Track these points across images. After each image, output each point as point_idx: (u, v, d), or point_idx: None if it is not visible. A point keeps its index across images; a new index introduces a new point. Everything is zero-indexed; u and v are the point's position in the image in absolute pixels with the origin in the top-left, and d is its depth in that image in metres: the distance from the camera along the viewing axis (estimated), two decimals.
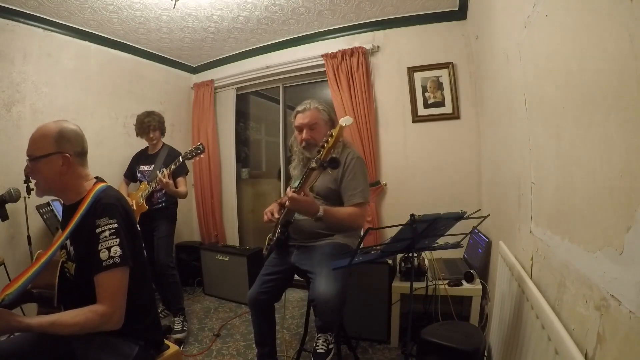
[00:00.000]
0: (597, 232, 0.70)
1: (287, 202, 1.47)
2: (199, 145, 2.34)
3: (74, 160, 1.11)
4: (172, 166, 2.34)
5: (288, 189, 1.47)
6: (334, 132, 1.31)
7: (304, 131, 1.67)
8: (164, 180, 2.28)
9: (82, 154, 1.16)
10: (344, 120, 1.30)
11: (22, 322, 0.91)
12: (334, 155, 1.37)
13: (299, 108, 1.72)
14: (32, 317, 0.93)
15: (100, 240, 1.01)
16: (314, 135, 1.65)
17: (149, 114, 2.59)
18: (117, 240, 1.02)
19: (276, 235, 1.71)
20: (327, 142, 1.33)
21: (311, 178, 1.44)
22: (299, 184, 1.48)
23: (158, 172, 2.35)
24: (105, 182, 1.20)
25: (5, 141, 2.27)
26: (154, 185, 2.39)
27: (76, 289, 1.10)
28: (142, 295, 1.18)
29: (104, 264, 1.00)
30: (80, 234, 1.08)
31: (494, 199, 2.05)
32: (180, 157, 2.35)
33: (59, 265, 1.15)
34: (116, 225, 1.04)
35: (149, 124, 2.55)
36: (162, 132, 2.67)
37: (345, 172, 1.63)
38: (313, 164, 1.37)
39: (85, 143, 1.18)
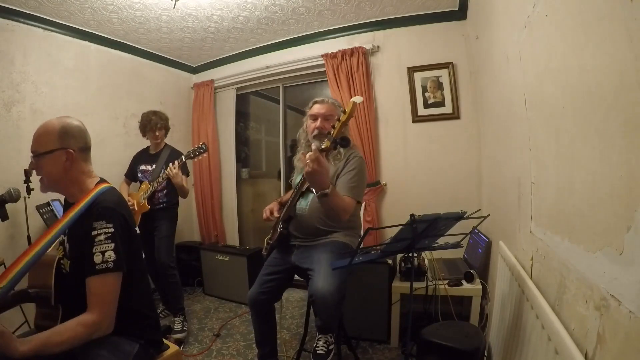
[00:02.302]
0: (597, 232, 0.70)
1: (309, 163, 1.31)
2: (201, 144, 2.34)
3: (78, 156, 1.12)
4: (176, 164, 2.33)
5: (297, 177, 1.42)
6: (347, 109, 1.31)
7: (319, 120, 1.69)
8: (174, 171, 2.28)
9: (85, 149, 1.16)
10: (356, 98, 1.30)
11: (17, 349, 0.89)
12: (345, 135, 1.37)
13: (318, 99, 1.76)
14: (24, 341, 0.91)
15: (95, 244, 1.01)
16: (328, 127, 1.66)
17: (155, 112, 2.59)
18: (112, 245, 1.02)
19: (278, 231, 1.72)
20: (339, 120, 1.33)
21: None
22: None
23: (164, 170, 2.35)
24: (109, 183, 1.20)
25: (5, 141, 2.27)
26: (155, 185, 2.40)
27: (73, 285, 1.10)
28: (140, 295, 1.18)
29: (96, 267, 0.99)
30: (77, 233, 1.08)
31: (494, 199, 2.05)
32: (183, 157, 2.35)
33: (55, 263, 1.15)
34: (112, 229, 1.04)
35: (155, 122, 2.55)
36: (167, 132, 2.68)
37: (345, 166, 1.65)
38: (324, 144, 1.34)
39: (89, 138, 1.18)
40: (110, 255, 1.01)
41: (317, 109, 1.72)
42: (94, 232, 1.02)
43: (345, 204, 1.55)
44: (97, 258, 1.00)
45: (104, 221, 1.04)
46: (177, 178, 2.34)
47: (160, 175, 2.38)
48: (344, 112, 1.33)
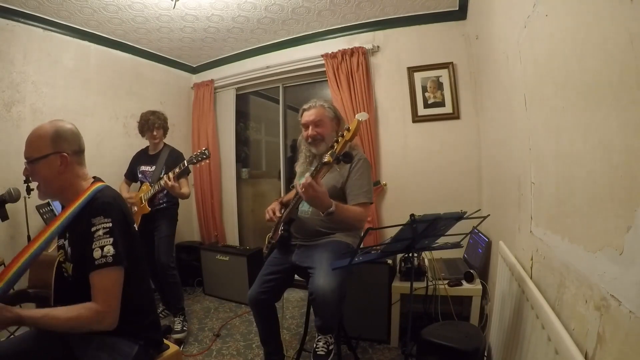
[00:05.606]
0: (597, 232, 0.70)
1: (301, 189, 1.37)
2: (204, 150, 2.29)
3: (72, 160, 1.11)
4: (177, 170, 2.29)
5: (298, 180, 1.44)
6: (351, 126, 1.30)
7: (310, 128, 1.70)
8: (170, 183, 2.24)
9: (79, 152, 1.16)
10: (360, 115, 1.30)
11: (13, 313, 0.90)
12: (347, 150, 1.37)
13: (305, 106, 1.75)
14: (25, 310, 0.92)
15: (94, 239, 1.01)
16: (320, 131, 1.68)
17: (153, 112, 2.58)
18: (111, 239, 1.02)
19: (279, 232, 1.71)
20: (342, 136, 1.32)
21: (322, 172, 1.43)
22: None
23: (164, 176, 2.32)
24: (103, 182, 1.20)
25: (5, 141, 2.27)
26: (157, 187, 2.38)
27: (74, 288, 1.10)
28: (140, 295, 1.18)
29: (96, 262, 0.99)
30: (77, 233, 1.08)
31: (494, 199, 2.05)
32: (185, 162, 2.32)
33: (55, 265, 1.15)
34: (110, 224, 1.04)
35: (153, 122, 2.54)
36: (165, 132, 2.67)
37: (352, 171, 1.64)
38: (327, 158, 1.34)
39: (82, 141, 1.18)
40: (109, 249, 1.01)
41: (306, 117, 1.72)
42: (93, 228, 1.02)
43: (356, 213, 1.56)
44: (97, 253, 1.00)
45: (102, 216, 1.04)
46: (174, 189, 2.29)
47: (157, 182, 2.36)
48: (348, 129, 1.31)
